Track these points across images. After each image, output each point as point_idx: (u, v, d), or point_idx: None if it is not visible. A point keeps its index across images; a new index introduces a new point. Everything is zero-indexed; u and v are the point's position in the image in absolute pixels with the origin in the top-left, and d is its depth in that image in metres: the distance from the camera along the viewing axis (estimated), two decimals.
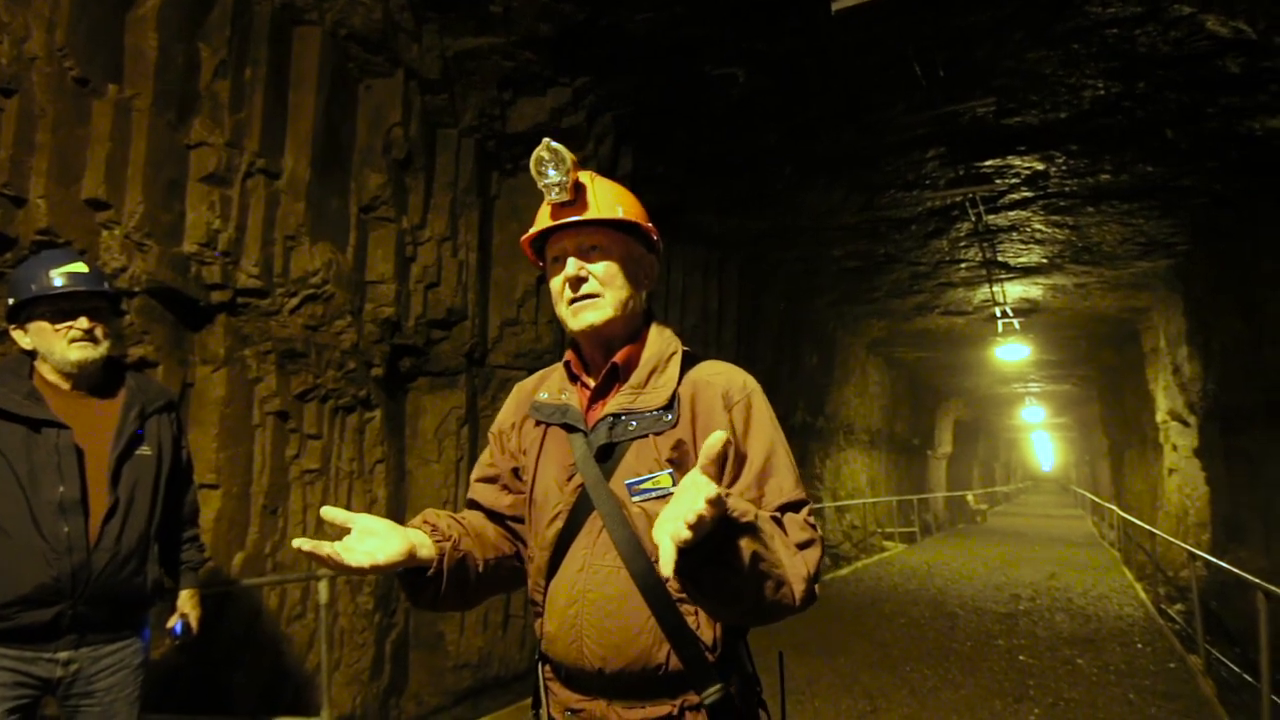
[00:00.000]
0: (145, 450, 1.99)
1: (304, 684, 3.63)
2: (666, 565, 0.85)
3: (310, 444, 3.81)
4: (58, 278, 1.88)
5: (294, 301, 3.64)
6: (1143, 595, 8.40)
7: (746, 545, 0.96)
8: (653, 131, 5.28)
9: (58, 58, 2.66)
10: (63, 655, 1.83)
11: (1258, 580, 3.85)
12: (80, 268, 1.93)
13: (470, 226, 4.69)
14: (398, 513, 4.44)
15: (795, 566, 1.05)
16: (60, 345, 1.88)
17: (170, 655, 2.93)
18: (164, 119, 3.03)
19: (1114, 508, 13.74)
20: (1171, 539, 8.16)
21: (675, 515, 0.88)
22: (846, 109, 5.11)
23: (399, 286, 4.21)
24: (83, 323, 1.89)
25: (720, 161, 5.85)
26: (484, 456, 1.37)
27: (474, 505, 1.37)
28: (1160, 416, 10.04)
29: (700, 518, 0.84)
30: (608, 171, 5.23)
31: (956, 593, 8.29)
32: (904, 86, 4.69)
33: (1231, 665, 5.39)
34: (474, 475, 1.38)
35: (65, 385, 1.92)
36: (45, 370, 1.91)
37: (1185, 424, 8.77)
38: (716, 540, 0.92)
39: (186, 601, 2.18)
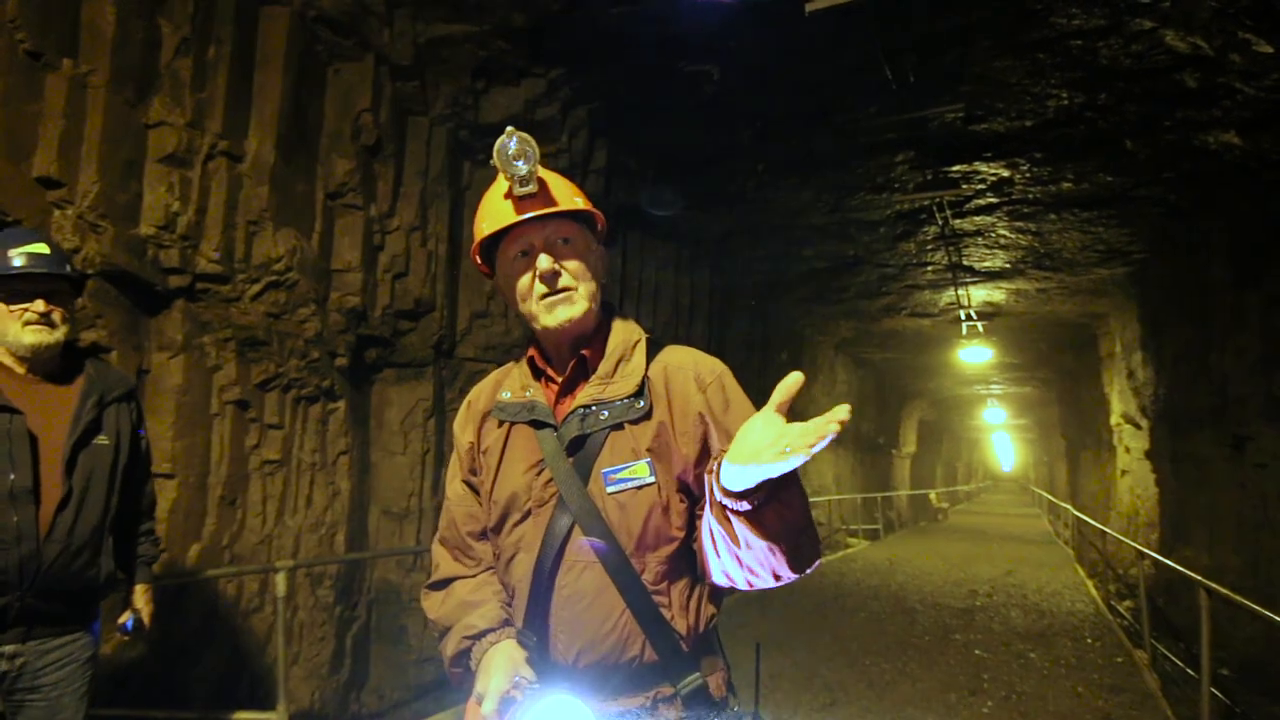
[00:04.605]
0: (102, 439, 1.93)
1: (261, 678, 3.57)
2: (822, 431, 0.82)
3: (271, 434, 3.74)
4: (16, 258, 1.82)
5: (256, 288, 3.56)
6: (1094, 592, 8.66)
7: (796, 484, 0.98)
8: (626, 126, 5.27)
9: (9, 29, 2.56)
10: (8, 649, 1.77)
11: (1200, 578, 4.00)
12: (41, 248, 1.86)
13: (440, 216, 4.63)
14: (361, 505, 4.38)
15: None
16: (14, 328, 1.82)
17: (123, 648, 2.85)
18: (121, 96, 2.94)
19: (1069, 507, 14.13)
20: (1122, 538, 8.42)
21: (793, 438, 0.85)
22: (818, 110, 5.16)
23: (366, 275, 4.15)
24: (39, 305, 1.83)
25: (693, 158, 5.87)
26: (454, 469, 1.34)
27: (452, 531, 1.31)
28: (1114, 419, 10.35)
29: (835, 434, 0.82)
30: (581, 166, 5.21)
31: (916, 588, 8.46)
32: (875, 90, 4.75)
33: (1175, 659, 5.59)
34: (453, 490, 1.33)
35: (20, 369, 1.86)
36: None
37: (1138, 427, 9.06)
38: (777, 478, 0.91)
39: (140, 597, 2.12)
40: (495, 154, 1.13)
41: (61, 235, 2.76)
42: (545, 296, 1.18)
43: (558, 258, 1.18)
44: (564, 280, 1.18)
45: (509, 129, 1.13)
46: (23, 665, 1.79)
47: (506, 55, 4.29)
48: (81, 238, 2.81)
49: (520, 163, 1.13)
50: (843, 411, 0.83)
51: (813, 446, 0.83)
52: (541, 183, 1.17)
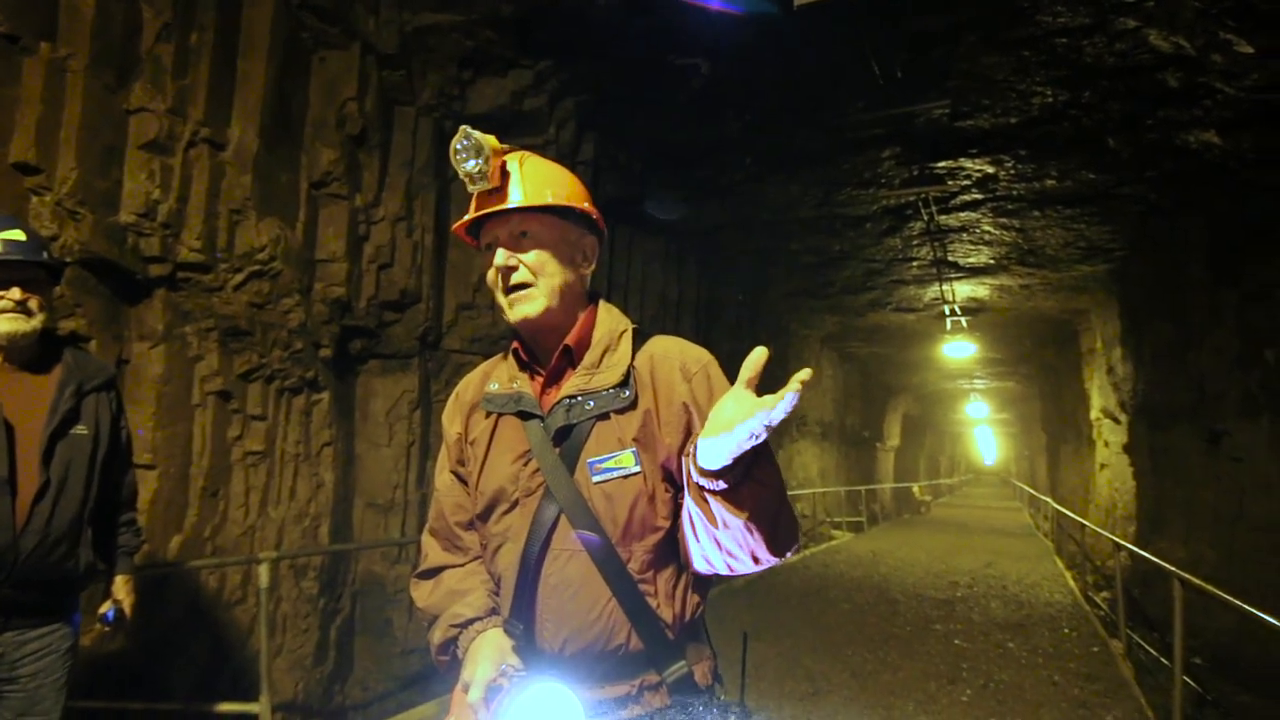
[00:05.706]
0: (81, 429, 1.91)
1: (244, 669, 3.55)
2: (782, 405, 0.85)
3: (254, 425, 3.71)
4: None
5: (239, 278, 3.52)
6: (1072, 583, 8.80)
7: (771, 463, 0.99)
8: (614, 119, 5.25)
9: None
10: None
11: (1174, 569, 4.08)
12: (17, 235, 1.84)
13: (426, 207, 4.60)
14: (345, 497, 4.36)
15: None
16: None
17: (104, 639, 2.83)
18: (101, 81, 2.89)
19: (1049, 500, 14.33)
20: (1100, 530, 8.55)
21: (759, 401, 0.88)
22: (807, 105, 5.17)
23: (350, 266, 4.12)
24: (15, 293, 1.81)
25: (681, 152, 5.87)
26: (443, 460, 1.34)
27: (441, 522, 1.32)
28: (1094, 414, 10.50)
29: (797, 394, 0.84)
30: (568, 158, 5.19)
31: (899, 580, 8.55)
32: (863, 86, 4.77)
33: (1149, 649, 5.70)
34: (441, 481, 1.33)
35: None
36: None
37: (1117, 421, 9.19)
38: (751, 454, 0.93)
39: (121, 588, 2.11)
40: (450, 152, 1.15)
41: (39, 222, 2.72)
42: (507, 292, 1.19)
43: (516, 252, 1.18)
44: (519, 276, 1.18)
45: (462, 127, 1.13)
46: (0, 656, 1.78)
47: (494, 46, 4.26)
48: (60, 225, 2.77)
49: (470, 161, 1.14)
50: (805, 374, 0.86)
51: (781, 401, 0.85)
52: (505, 176, 1.17)
